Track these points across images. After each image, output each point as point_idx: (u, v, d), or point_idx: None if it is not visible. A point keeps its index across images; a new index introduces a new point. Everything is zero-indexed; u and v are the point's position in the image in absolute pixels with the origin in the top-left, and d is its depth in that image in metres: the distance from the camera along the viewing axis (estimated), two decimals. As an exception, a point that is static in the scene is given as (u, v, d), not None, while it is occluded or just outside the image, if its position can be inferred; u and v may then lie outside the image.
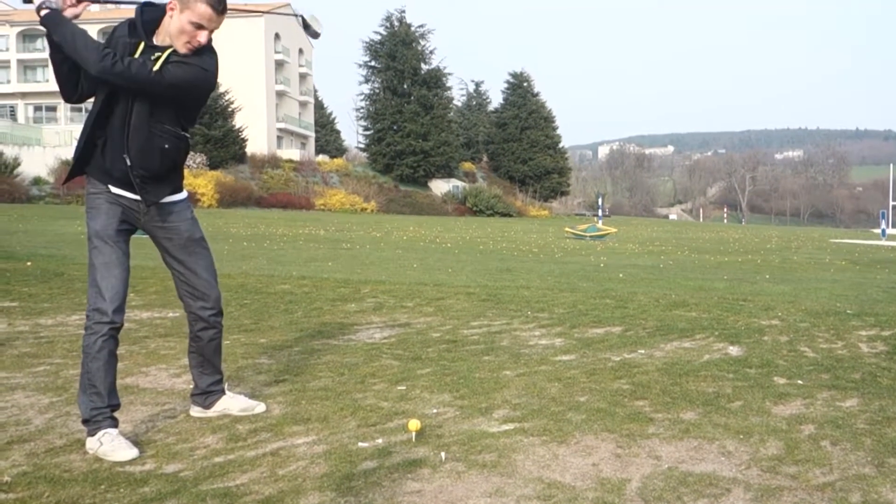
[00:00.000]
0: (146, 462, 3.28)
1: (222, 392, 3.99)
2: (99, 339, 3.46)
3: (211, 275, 3.84)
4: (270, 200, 52.16)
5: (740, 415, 4.03)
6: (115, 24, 3.57)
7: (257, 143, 63.59)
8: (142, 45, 3.42)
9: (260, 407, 3.99)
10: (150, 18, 3.47)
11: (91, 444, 3.39)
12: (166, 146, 3.55)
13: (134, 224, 3.66)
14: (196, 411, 3.95)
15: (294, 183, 58.25)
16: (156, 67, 3.35)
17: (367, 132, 71.87)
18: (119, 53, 3.34)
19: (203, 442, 3.55)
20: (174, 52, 3.42)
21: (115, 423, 3.49)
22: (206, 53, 3.50)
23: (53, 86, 66.95)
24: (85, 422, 3.48)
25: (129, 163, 3.48)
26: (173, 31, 3.39)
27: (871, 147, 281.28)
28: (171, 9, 3.39)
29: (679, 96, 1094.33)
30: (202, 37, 3.42)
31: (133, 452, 3.34)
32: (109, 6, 3.73)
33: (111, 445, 3.35)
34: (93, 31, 69.79)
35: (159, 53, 3.40)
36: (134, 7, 3.53)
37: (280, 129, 73.75)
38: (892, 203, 71.11)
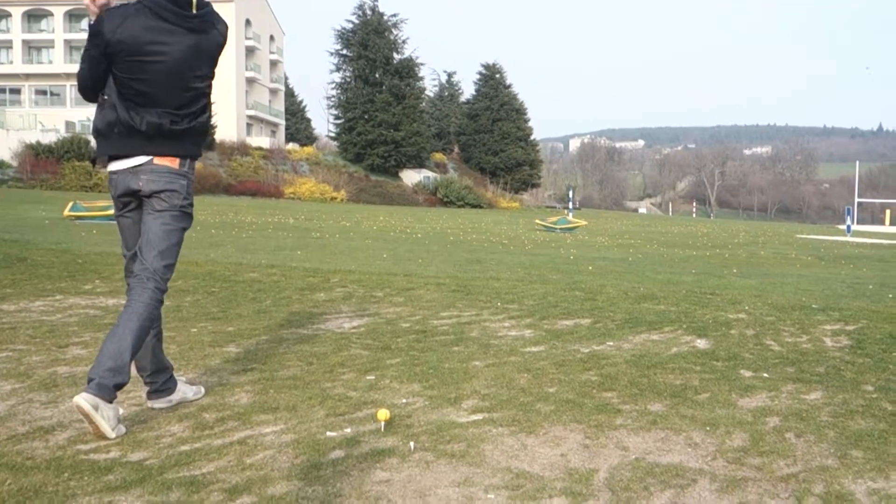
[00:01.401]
0: (111, 450, 3.24)
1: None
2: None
3: None
4: (239, 188, 51.79)
5: (707, 407, 4.06)
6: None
7: (226, 130, 63.03)
8: None
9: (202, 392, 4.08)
10: None
11: (115, 410, 3.39)
12: None
13: None
14: (163, 402, 3.85)
15: (263, 171, 57.87)
16: None
17: (338, 121, 71.49)
18: None
19: (169, 430, 3.52)
20: None
21: None
22: None
23: (17, 68, 65.87)
24: (118, 387, 3.40)
25: None
26: None
27: (838, 144, 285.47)
28: None
29: (650, 91, 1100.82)
30: None
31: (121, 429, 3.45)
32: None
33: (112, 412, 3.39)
34: (58, 12, 68.92)
35: None
36: None
37: (250, 117, 73.17)
38: (857, 200, 72.22)
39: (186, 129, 3.66)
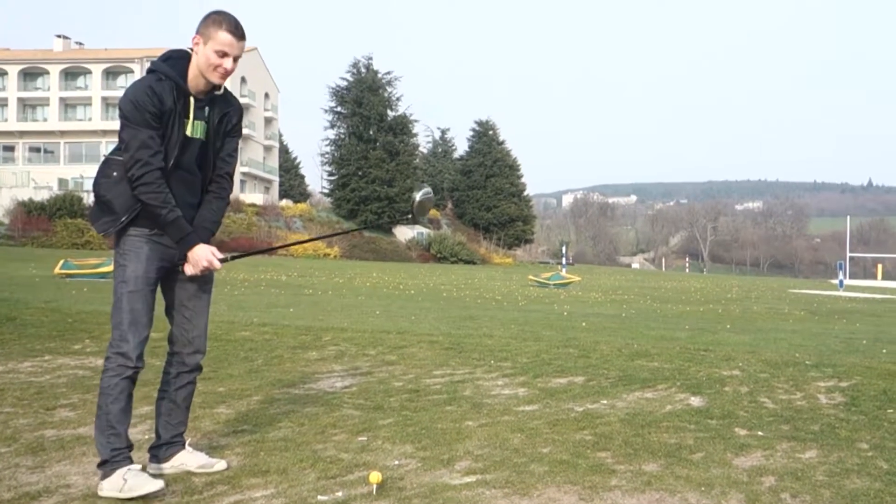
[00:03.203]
0: (97, 516, 3.19)
1: (182, 445, 3.89)
2: (122, 381, 3.54)
3: (207, 321, 3.92)
4: (232, 245, 51.59)
5: (702, 466, 4.03)
6: (132, 76, 3.61)
7: (220, 186, 63.13)
8: (192, 102, 3.61)
9: (220, 464, 3.83)
10: (177, 66, 3.57)
11: (112, 482, 3.43)
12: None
13: (171, 262, 3.70)
14: (152, 468, 3.80)
15: (257, 227, 57.96)
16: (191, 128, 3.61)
17: (332, 177, 71.96)
18: (169, 118, 3.52)
19: (157, 494, 3.46)
20: (215, 99, 3.71)
21: (132, 461, 3.55)
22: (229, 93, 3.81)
23: (11, 125, 66.05)
24: (103, 463, 3.49)
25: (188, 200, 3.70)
26: (202, 65, 3.56)
27: (829, 199, 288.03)
28: (196, 44, 3.56)
29: (642, 147, 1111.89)
30: (228, 63, 3.58)
31: (159, 483, 3.44)
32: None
33: (136, 481, 3.41)
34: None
35: (208, 109, 3.69)
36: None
37: (243, 173, 73.57)
38: (849, 254, 72.48)
39: None
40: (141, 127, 3.43)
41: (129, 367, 3.53)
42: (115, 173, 3.52)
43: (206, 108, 3.67)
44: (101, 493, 3.41)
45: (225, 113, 3.75)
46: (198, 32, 3.55)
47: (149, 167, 3.44)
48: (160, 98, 3.46)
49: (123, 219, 3.52)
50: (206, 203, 3.80)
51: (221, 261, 3.71)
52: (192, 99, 3.60)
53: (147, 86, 3.45)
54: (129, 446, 3.57)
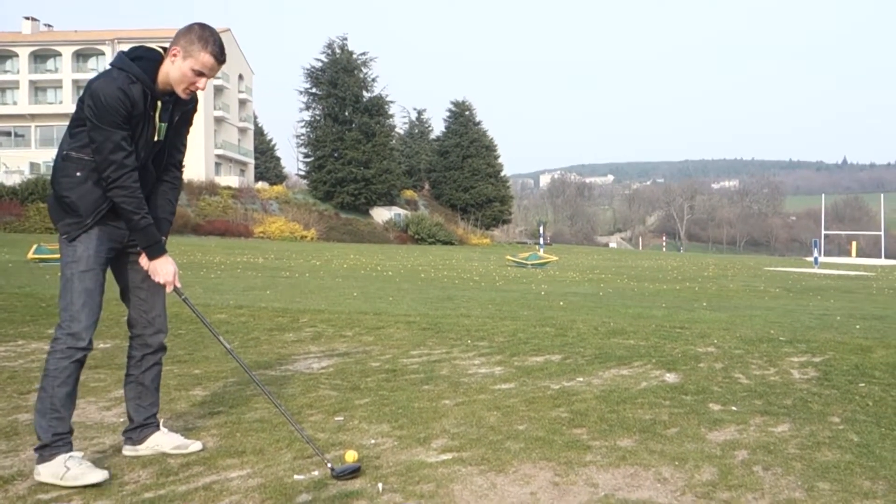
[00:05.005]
0: (73, 498, 3.18)
1: (156, 427, 3.87)
2: (70, 363, 3.49)
3: (164, 300, 3.91)
4: (208, 228, 51.47)
5: (676, 441, 4.07)
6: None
7: (194, 169, 62.78)
8: (159, 105, 3.57)
9: (195, 445, 3.83)
10: (148, 68, 3.50)
11: (52, 468, 3.37)
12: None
13: (120, 245, 3.67)
14: (128, 450, 3.80)
15: (232, 210, 57.61)
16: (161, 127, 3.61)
17: (308, 159, 71.42)
18: (139, 122, 3.49)
19: (133, 477, 3.46)
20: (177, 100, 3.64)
21: (72, 447, 3.49)
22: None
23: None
24: (42, 447, 3.43)
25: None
26: (174, 77, 3.51)
27: (804, 177, 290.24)
28: (174, 55, 3.50)
29: (619, 127, 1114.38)
30: (202, 83, 3.56)
31: (103, 474, 3.37)
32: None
33: (80, 469, 3.36)
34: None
35: (171, 108, 3.64)
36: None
37: (218, 156, 73.00)
38: (823, 232, 73.13)
39: None
40: (113, 129, 3.37)
41: (79, 350, 3.48)
42: (78, 173, 3.45)
43: (170, 108, 3.63)
44: (38, 478, 3.36)
45: (185, 110, 3.73)
46: (178, 44, 3.48)
47: (125, 169, 3.42)
48: (132, 102, 3.41)
49: (88, 221, 3.49)
50: (162, 193, 3.81)
51: (177, 289, 3.75)
52: (159, 103, 3.56)
53: (118, 87, 3.37)
54: (70, 431, 3.52)
